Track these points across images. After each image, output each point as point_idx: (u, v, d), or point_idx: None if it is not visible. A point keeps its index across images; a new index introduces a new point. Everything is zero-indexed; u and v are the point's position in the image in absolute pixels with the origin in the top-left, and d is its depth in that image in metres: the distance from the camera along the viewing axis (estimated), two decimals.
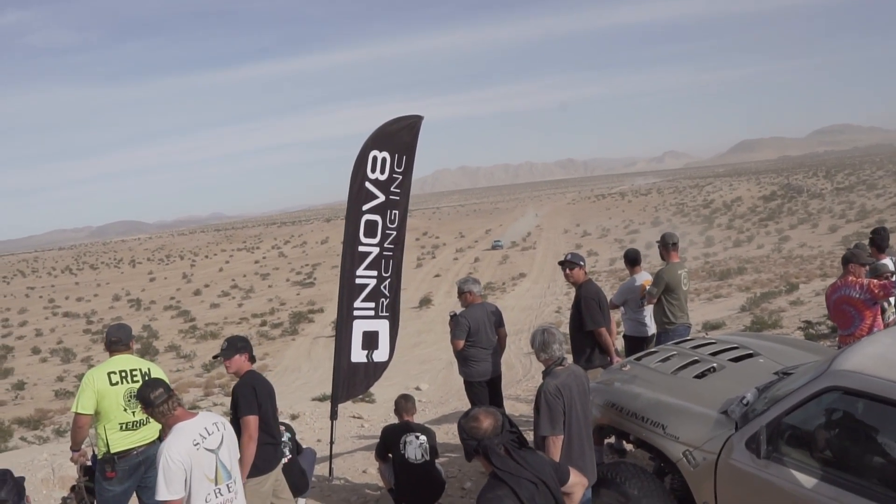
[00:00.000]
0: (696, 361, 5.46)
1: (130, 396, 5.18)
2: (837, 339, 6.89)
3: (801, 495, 3.71)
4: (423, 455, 6.03)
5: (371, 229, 7.27)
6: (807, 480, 3.71)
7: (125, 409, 5.24)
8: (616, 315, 7.98)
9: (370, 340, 7.35)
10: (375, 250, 7.33)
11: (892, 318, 6.95)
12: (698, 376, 5.22)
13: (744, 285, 41.91)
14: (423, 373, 28.47)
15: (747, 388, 4.51)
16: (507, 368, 10.81)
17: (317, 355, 42.60)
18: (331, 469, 7.39)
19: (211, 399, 28.08)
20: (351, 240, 7.20)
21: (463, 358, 7.01)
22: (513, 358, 25.96)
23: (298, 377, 35.88)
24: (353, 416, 16.20)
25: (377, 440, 6.44)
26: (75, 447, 5.41)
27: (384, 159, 7.22)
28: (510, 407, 10.04)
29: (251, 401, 4.90)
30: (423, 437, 6.11)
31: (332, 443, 7.44)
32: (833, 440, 3.83)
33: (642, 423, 4.84)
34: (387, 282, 7.46)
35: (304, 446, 6.74)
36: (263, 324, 60.82)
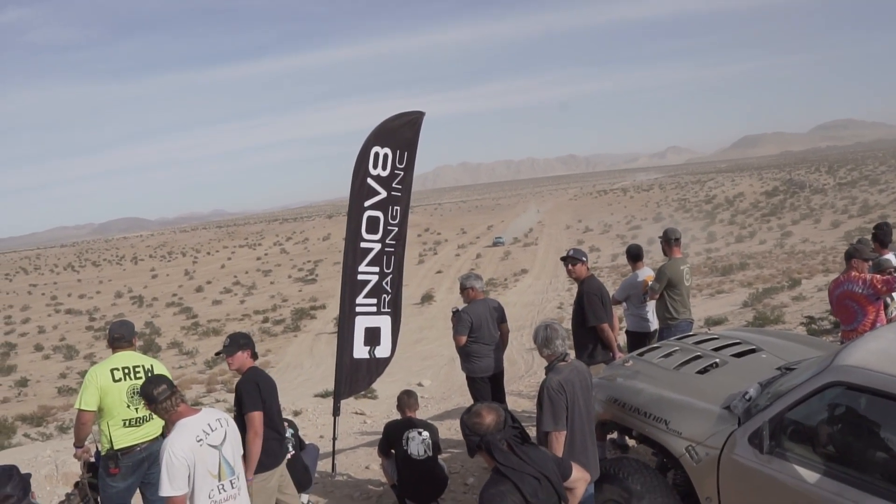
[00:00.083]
0: (698, 357, 5.45)
1: (133, 393, 5.19)
2: (840, 334, 6.88)
3: (803, 490, 3.71)
4: (425, 451, 6.03)
5: (373, 225, 7.27)
6: (810, 476, 3.71)
7: (128, 406, 5.25)
8: (618, 311, 7.98)
9: (372, 336, 7.36)
10: (377, 246, 7.33)
11: (894, 314, 6.94)
12: (701, 372, 5.22)
13: (746, 281, 41.91)
14: (426, 369, 28.52)
15: (750, 383, 4.51)
16: (510, 364, 10.81)
17: (319, 352, 42.69)
18: (333, 465, 7.40)
19: (213, 395, 28.16)
20: (353, 236, 7.20)
21: (465, 354, 7.01)
22: (515, 354, 25.99)
23: (301, 373, 35.96)
24: (356, 413, 16.23)
25: (380, 436, 6.45)
26: (79, 444, 5.42)
27: (386, 155, 7.21)
28: (512, 403, 10.05)
29: (255, 397, 4.91)
30: (425, 433, 6.12)
31: (334, 439, 7.46)
32: (836, 435, 3.83)
33: (645, 418, 4.83)
34: (388, 278, 7.46)
35: (306, 442, 6.75)
36: (265, 320, 60.91)
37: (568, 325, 6.92)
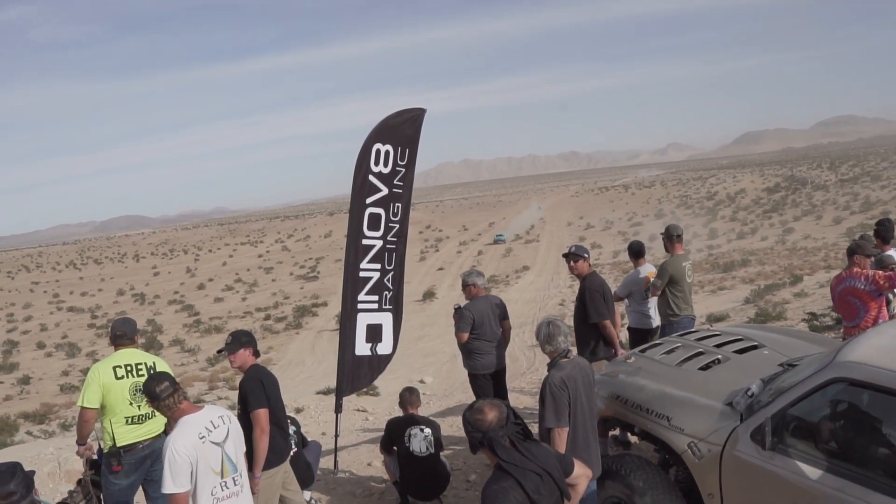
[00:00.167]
0: (700, 353, 5.45)
1: (136, 390, 5.20)
2: (842, 330, 6.88)
3: (806, 486, 3.71)
4: (427, 448, 6.04)
5: (374, 222, 7.27)
6: (812, 472, 3.71)
7: (131, 403, 5.25)
8: (620, 307, 7.98)
9: (374, 333, 7.36)
10: (379, 243, 7.33)
11: None
12: (703, 368, 5.22)
13: (748, 277, 41.86)
14: (428, 366, 28.52)
15: (752, 379, 4.51)
16: (511, 361, 10.83)
17: (321, 349, 42.70)
18: (336, 462, 7.41)
19: (215, 393, 28.18)
20: (354, 233, 7.20)
21: (467, 351, 7.02)
22: (517, 350, 25.98)
23: (302, 371, 35.98)
24: (358, 410, 16.24)
25: (382, 433, 6.46)
26: (81, 441, 5.42)
27: (387, 152, 7.21)
28: (514, 399, 10.05)
29: (260, 394, 4.92)
30: (427, 430, 6.12)
31: (336, 436, 7.47)
32: (838, 431, 3.83)
33: (647, 414, 4.83)
34: (390, 275, 7.46)
35: (309, 440, 6.76)
36: (267, 318, 60.92)
37: (570, 321, 6.92)
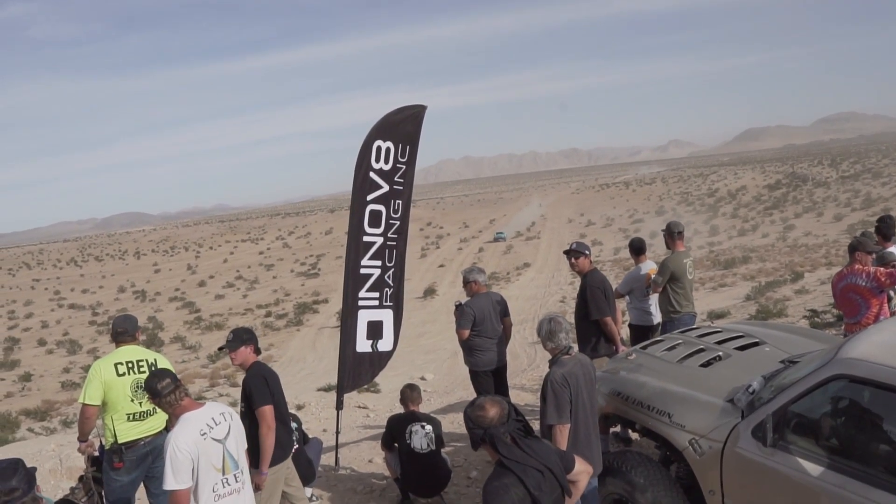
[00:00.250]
0: (701, 350, 5.45)
1: (137, 387, 5.20)
2: (843, 327, 6.88)
3: (807, 483, 3.71)
4: (428, 444, 6.05)
5: (375, 219, 7.27)
6: (813, 468, 3.71)
7: (132, 400, 5.26)
8: (621, 304, 7.98)
9: (375, 330, 7.37)
10: (379, 240, 7.33)
11: None
12: (704, 365, 5.22)
13: (749, 274, 41.88)
14: (428, 363, 28.54)
15: (753, 376, 4.51)
16: (512, 358, 10.80)
17: (322, 346, 42.72)
18: (337, 459, 7.42)
19: (216, 390, 28.20)
20: (356, 230, 7.21)
21: (468, 347, 7.02)
22: (517, 347, 26.00)
23: (303, 368, 36.00)
24: (359, 406, 16.26)
25: (383, 430, 6.46)
26: (83, 438, 5.43)
27: (388, 149, 7.21)
28: (515, 396, 10.06)
29: (264, 391, 4.93)
30: (428, 427, 6.13)
31: (337, 433, 7.48)
32: (839, 428, 3.83)
33: (648, 411, 4.83)
34: (390, 271, 7.47)
35: (310, 436, 6.77)
36: (268, 315, 60.96)
37: (571, 318, 6.92)
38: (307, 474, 5.98)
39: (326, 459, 7.51)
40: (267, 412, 4.87)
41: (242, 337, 5.08)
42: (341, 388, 7.33)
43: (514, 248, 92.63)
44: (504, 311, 7.13)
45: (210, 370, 35.48)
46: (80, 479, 5.57)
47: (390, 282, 7.48)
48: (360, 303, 7.28)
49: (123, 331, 5.48)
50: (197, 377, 33.39)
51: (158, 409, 4.73)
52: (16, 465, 2.87)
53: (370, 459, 7.79)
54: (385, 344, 7.45)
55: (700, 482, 4.39)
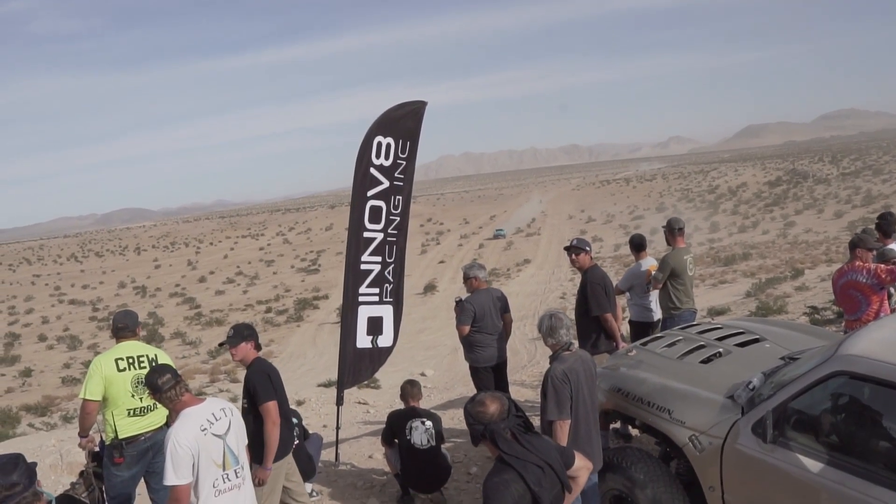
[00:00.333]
0: (702, 346, 5.45)
1: (138, 382, 5.21)
2: (844, 323, 6.88)
3: (807, 480, 3.72)
4: (429, 440, 6.05)
5: (376, 215, 7.27)
6: (813, 465, 3.71)
7: (133, 395, 5.26)
8: (622, 300, 7.99)
9: (375, 326, 7.37)
10: (380, 236, 7.33)
11: None
12: (704, 361, 5.22)
13: (749, 271, 41.90)
14: (429, 358, 28.56)
15: (753, 372, 4.51)
16: (512, 354, 10.82)
17: (322, 341, 42.77)
18: (337, 454, 7.43)
19: (217, 385, 28.25)
20: (356, 226, 7.20)
21: (468, 343, 7.02)
22: (518, 344, 26.01)
23: (304, 363, 36.05)
24: (359, 402, 16.27)
25: (383, 426, 6.47)
26: (83, 433, 5.44)
27: (388, 145, 7.20)
28: (515, 392, 10.06)
29: (268, 387, 4.94)
30: (429, 423, 6.13)
31: (338, 428, 7.49)
32: (839, 425, 3.83)
33: (648, 407, 4.84)
34: (390, 267, 7.46)
35: (310, 432, 6.78)
36: (268, 310, 61.01)
37: (571, 314, 6.93)
38: (307, 470, 5.99)
39: (327, 455, 7.52)
40: (271, 408, 4.88)
41: (243, 333, 5.08)
42: (341, 383, 7.34)
43: (515, 245, 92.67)
44: (504, 308, 7.13)
45: (210, 366, 35.53)
46: (81, 474, 5.57)
47: (390, 278, 7.48)
48: (361, 299, 7.28)
49: (124, 326, 5.48)
50: (197, 373, 33.44)
51: (159, 405, 4.74)
52: (16, 460, 2.87)
53: (370, 455, 7.80)
54: (385, 340, 7.46)
55: (700, 478, 4.39)
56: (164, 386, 3.89)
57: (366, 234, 7.24)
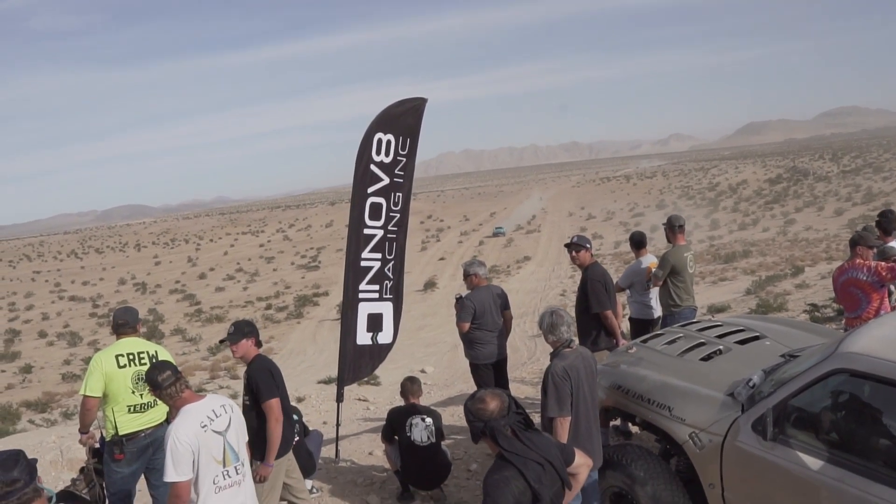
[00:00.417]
0: (702, 344, 5.45)
1: (138, 379, 5.21)
2: (844, 321, 6.88)
3: (806, 477, 3.72)
4: (429, 437, 6.05)
5: (376, 212, 7.26)
6: (813, 462, 3.71)
7: (133, 392, 5.26)
8: (622, 298, 7.99)
9: (375, 323, 7.37)
10: (380, 233, 7.33)
11: None
12: (704, 359, 5.22)
13: (749, 268, 41.89)
14: (429, 355, 28.58)
15: (754, 370, 4.51)
16: (512, 351, 10.80)
17: (322, 338, 42.79)
18: (337, 451, 7.43)
19: (217, 382, 28.27)
20: (356, 223, 7.20)
21: (468, 340, 7.02)
22: (518, 341, 26.03)
23: (304, 360, 36.07)
24: (359, 399, 16.28)
25: (383, 422, 6.47)
26: (84, 429, 5.44)
27: (389, 142, 7.19)
28: (515, 390, 10.07)
29: (271, 384, 4.94)
30: (429, 420, 6.13)
31: (338, 425, 7.49)
32: (839, 422, 3.83)
33: (648, 405, 4.83)
34: (390, 264, 7.46)
35: (310, 429, 6.78)
36: (269, 307, 61.03)
37: (571, 311, 6.92)
38: (308, 466, 5.99)
39: (327, 452, 7.53)
40: (274, 405, 4.89)
41: (244, 330, 5.08)
42: (341, 380, 7.34)
43: (515, 242, 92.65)
44: (504, 305, 7.13)
45: (210, 362, 35.56)
46: (82, 470, 5.58)
47: (390, 274, 7.48)
48: (361, 295, 7.27)
49: (124, 323, 5.49)
50: (197, 369, 33.46)
51: (159, 401, 4.74)
52: (17, 456, 2.87)
53: (370, 452, 7.81)
54: (385, 336, 7.45)
55: (700, 476, 4.40)
56: (164, 382, 3.89)
57: (366, 231, 7.23)
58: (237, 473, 4.04)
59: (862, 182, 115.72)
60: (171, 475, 3.76)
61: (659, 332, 6.35)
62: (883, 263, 6.23)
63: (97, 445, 5.54)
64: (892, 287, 6.68)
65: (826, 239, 58.73)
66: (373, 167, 7.15)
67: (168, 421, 5.01)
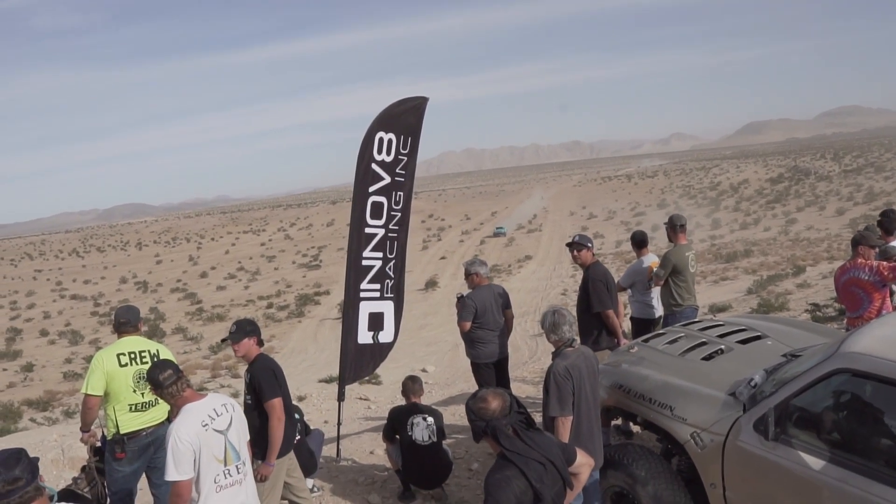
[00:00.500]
0: (703, 343, 5.45)
1: (140, 377, 5.21)
2: (845, 321, 6.87)
3: (808, 477, 3.72)
4: (430, 436, 6.05)
5: (377, 211, 7.26)
6: (814, 462, 3.71)
7: (134, 391, 5.27)
8: (623, 297, 7.99)
9: (376, 322, 7.37)
10: (381, 232, 7.32)
11: None
12: (706, 358, 5.22)
13: (750, 268, 41.86)
14: (430, 355, 28.59)
15: (755, 370, 4.50)
16: (514, 350, 10.81)
17: (323, 337, 42.80)
18: (338, 450, 7.43)
19: (218, 381, 28.27)
20: (358, 222, 7.20)
21: (470, 340, 7.02)
22: (519, 340, 26.04)
23: (305, 359, 36.08)
24: (360, 398, 16.29)
25: (384, 421, 6.47)
26: (85, 428, 5.44)
27: (390, 141, 7.19)
28: (516, 389, 10.06)
29: (273, 384, 4.94)
30: (430, 419, 6.13)
31: (339, 424, 7.49)
32: (841, 422, 3.83)
33: (650, 404, 4.83)
34: (391, 263, 7.46)
35: (311, 428, 6.78)
36: (270, 306, 61.04)
37: (573, 311, 6.92)
38: (309, 465, 5.99)
39: (328, 451, 7.53)
40: (277, 404, 4.89)
41: (245, 329, 5.07)
42: (343, 379, 7.34)
43: (516, 241, 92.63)
44: (506, 304, 7.13)
45: (212, 361, 35.56)
46: (83, 469, 5.58)
47: (391, 273, 7.47)
48: (362, 294, 7.27)
49: (126, 321, 5.49)
50: (199, 368, 33.47)
51: (160, 400, 4.74)
52: (19, 454, 2.87)
53: (371, 451, 7.80)
54: (386, 335, 7.45)
55: (701, 475, 4.39)
56: (165, 381, 3.89)
57: (367, 230, 7.23)
58: (238, 472, 4.04)
59: (863, 181, 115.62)
60: (172, 474, 3.76)
61: (660, 331, 6.34)
62: (885, 263, 6.22)
63: (98, 444, 5.54)
64: (894, 287, 6.67)
65: (827, 238, 58.67)
66: (374, 166, 7.15)
67: (169, 420, 5.01)
